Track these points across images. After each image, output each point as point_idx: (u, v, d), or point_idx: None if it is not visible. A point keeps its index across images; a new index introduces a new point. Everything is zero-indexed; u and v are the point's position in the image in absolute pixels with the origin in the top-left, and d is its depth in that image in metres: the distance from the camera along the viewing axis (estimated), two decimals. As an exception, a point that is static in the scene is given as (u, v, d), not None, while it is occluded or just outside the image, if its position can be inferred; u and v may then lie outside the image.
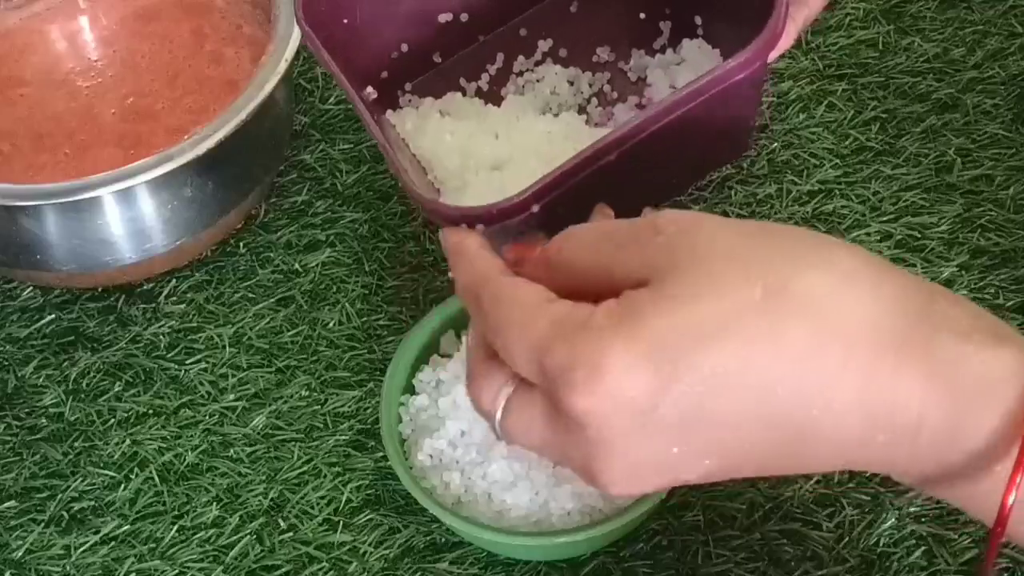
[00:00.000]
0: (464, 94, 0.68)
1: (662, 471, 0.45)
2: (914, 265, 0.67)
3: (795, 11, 0.63)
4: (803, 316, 0.43)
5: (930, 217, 0.69)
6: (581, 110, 0.67)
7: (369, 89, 0.67)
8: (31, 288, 0.71)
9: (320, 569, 0.60)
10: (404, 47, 0.67)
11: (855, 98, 0.74)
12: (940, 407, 0.43)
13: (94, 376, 0.67)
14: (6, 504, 0.63)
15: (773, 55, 0.59)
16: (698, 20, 0.67)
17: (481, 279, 0.48)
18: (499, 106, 0.67)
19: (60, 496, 0.63)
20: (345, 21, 0.65)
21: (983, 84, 0.74)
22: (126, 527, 0.62)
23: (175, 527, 0.61)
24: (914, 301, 0.44)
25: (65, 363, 0.68)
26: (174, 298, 0.70)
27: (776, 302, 0.43)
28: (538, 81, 0.68)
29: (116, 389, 0.66)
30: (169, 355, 0.68)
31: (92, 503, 0.63)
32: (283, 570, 0.60)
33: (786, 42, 0.61)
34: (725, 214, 0.70)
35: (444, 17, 0.67)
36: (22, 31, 0.75)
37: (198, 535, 0.61)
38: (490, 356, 0.48)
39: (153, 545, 0.61)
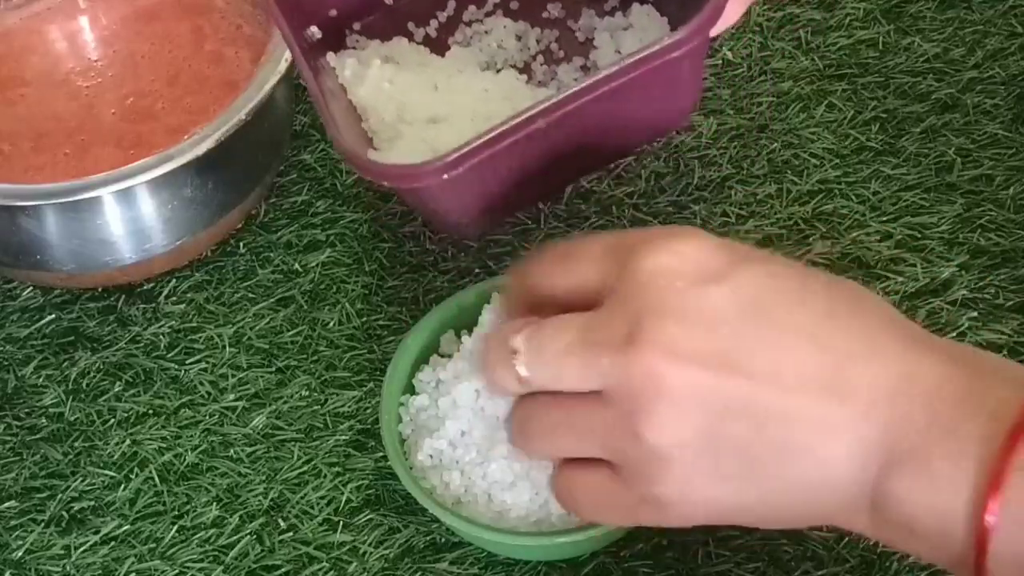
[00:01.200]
0: (411, 39, 0.68)
1: (707, 349, 0.45)
2: (914, 265, 0.67)
3: None
4: (851, 289, 0.48)
5: (930, 217, 0.69)
6: (525, 67, 0.67)
7: (313, 28, 0.66)
8: (31, 288, 0.71)
9: (320, 569, 0.60)
10: None
11: (855, 98, 0.74)
12: (959, 376, 0.44)
13: (94, 376, 0.67)
14: (6, 504, 0.63)
15: (716, 30, 0.59)
16: None
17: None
18: (443, 56, 0.67)
19: (60, 496, 0.63)
20: None
21: (983, 84, 0.74)
22: (126, 527, 0.62)
23: (175, 527, 0.61)
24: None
25: (65, 363, 0.68)
26: (174, 298, 0.70)
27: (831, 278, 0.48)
28: (486, 32, 0.68)
29: (116, 389, 0.66)
30: (169, 355, 0.68)
31: (92, 503, 0.63)
32: (283, 570, 0.60)
33: (731, 17, 0.60)
34: (725, 214, 0.70)
35: None
36: (22, 31, 0.75)
37: (198, 535, 0.61)
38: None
39: (153, 545, 0.61)
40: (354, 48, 0.68)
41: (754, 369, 0.45)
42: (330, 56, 0.66)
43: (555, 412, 0.50)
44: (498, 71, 0.66)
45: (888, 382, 0.44)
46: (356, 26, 0.68)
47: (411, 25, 0.68)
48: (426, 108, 0.64)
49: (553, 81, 0.66)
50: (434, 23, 0.68)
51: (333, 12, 0.67)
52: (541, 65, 0.67)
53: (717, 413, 0.45)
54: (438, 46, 0.68)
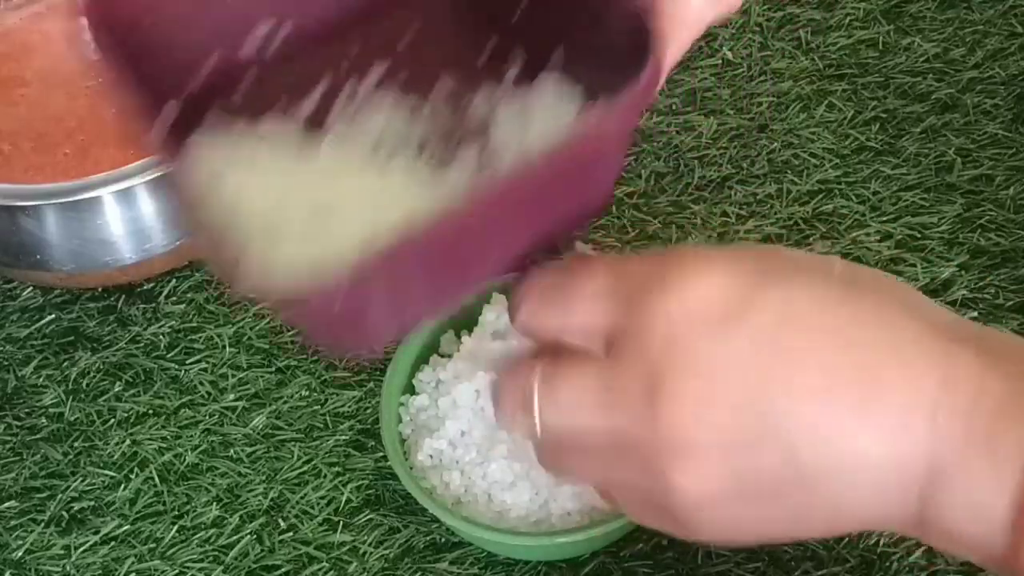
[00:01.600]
0: (283, 116, 0.57)
1: (732, 400, 0.44)
2: (914, 265, 0.67)
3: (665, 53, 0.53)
4: (875, 288, 0.46)
5: (930, 217, 0.69)
6: (420, 148, 0.57)
7: (172, 103, 0.54)
8: (31, 288, 0.71)
9: (320, 569, 0.60)
10: (216, 56, 0.56)
11: (855, 98, 0.74)
12: (996, 378, 0.43)
13: (94, 376, 0.67)
14: (6, 504, 0.63)
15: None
16: (557, 53, 0.56)
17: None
18: (323, 139, 0.57)
19: (60, 496, 0.63)
20: (147, 22, 0.55)
21: (983, 84, 0.74)
22: (126, 527, 0.62)
23: (175, 527, 0.61)
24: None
25: (65, 363, 0.68)
26: (174, 298, 0.70)
27: (852, 275, 0.46)
28: (371, 109, 0.57)
29: (116, 389, 0.66)
30: (169, 355, 0.68)
31: (92, 503, 0.63)
32: (283, 570, 0.60)
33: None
34: (725, 214, 0.70)
35: (265, 24, 0.57)
36: (22, 31, 0.75)
37: (198, 535, 0.61)
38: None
39: (153, 545, 0.61)
40: (214, 128, 0.56)
41: (782, 410, 0.44)
42: (190, 139, 0.55)
43: (583, 453, 0.49)
44: (390, 155, 0.56)
45: (923, 395, 0.43)
46: (217, 102, 0.57)
47: (283, 99, 0.57)
48: (310, 199, 0.54)
49: (453, 164, 0.56)
50: (309, 100, 0.57)
51: (192, 87, 0.56)
52: (437, 145, 0.57)
53: (747, 461, 0.44)
54: (315, 126, 0.57)
